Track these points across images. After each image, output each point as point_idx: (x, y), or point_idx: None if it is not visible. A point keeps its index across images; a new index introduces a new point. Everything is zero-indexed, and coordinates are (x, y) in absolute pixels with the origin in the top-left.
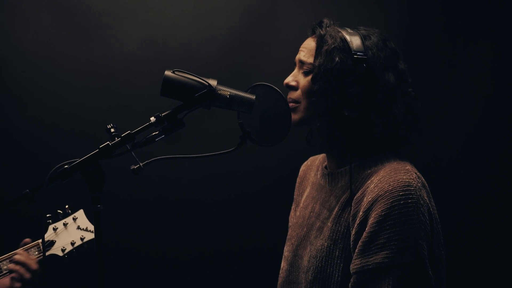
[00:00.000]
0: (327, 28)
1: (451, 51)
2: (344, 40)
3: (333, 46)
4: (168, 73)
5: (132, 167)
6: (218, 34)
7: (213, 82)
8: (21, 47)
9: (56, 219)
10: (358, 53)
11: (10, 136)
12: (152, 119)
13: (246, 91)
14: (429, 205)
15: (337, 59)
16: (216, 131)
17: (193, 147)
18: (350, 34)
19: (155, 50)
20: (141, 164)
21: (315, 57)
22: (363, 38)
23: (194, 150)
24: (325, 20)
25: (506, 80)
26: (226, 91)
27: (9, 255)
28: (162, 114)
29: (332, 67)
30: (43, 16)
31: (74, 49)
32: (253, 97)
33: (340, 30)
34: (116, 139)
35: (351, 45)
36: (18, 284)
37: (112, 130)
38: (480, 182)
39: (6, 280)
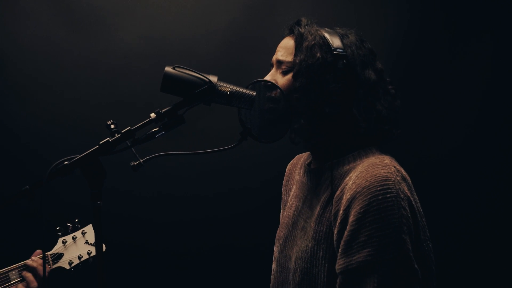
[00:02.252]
0: (306, 27)
1: (451, 47)
2: (323, 38)
3: (313, 42)
4: (168, 69)
5: (132, 163)
6: (218, 30)
7: (214, 78)
8: (21, 44)
9: (66, 232)
10: (337, 50)
11: (10, 133)
12: (152, 115)
13: (246, 88)
14: (411, 198)
15: (318, 55)
16: (216, 127)
17: (194, 144)
18: (328, 32)
19: (155, 46)
20: (141, 160)
21: (295, 55)
22: (341, 37)
23: (194, 146)
24: (303, 19)
25: (506, 77)
26: (227, 87)
27: (19, 265)
28: (163, 110)
29: (313, 62)
30: (42, 12)
31: (74, 45)
32: (254, 93)
33: (318, 28)
34: (116, 135)
35: (330, 42)
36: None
37: (112, 126)
38: (480, 179)
39: None
